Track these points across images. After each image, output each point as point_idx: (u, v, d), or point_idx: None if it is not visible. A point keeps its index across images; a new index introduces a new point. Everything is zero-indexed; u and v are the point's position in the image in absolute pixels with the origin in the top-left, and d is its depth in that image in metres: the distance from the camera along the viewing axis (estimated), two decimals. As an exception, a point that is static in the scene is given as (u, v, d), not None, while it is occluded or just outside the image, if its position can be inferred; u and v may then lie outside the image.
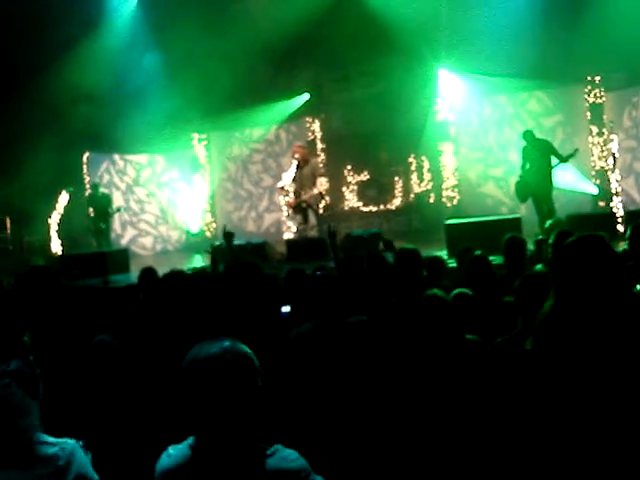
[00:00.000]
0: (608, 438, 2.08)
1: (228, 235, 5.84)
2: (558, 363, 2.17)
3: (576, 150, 10.55)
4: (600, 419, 2.09)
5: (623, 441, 2.07)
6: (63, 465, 2.32)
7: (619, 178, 12.34)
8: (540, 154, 10.52)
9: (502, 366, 2.65)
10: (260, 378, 2.04)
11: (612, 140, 12.45)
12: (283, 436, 2.24)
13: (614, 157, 12.30)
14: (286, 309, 4.38)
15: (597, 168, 12.58)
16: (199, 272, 5.78)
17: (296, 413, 3.37)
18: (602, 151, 12.55)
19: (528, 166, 10.69)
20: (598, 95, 12.67)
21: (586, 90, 12.74)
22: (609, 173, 12.39)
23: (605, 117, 12.68)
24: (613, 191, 12.31)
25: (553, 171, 10.53)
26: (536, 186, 10.50)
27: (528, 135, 10.83)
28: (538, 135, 10.91)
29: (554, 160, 10.42)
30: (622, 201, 12.18)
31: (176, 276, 4.83)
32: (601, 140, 12.56)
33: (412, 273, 4.49)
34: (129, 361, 3.69)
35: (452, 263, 8.23)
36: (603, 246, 2.25)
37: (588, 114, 12.74)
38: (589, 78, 12.67)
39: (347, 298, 3.85)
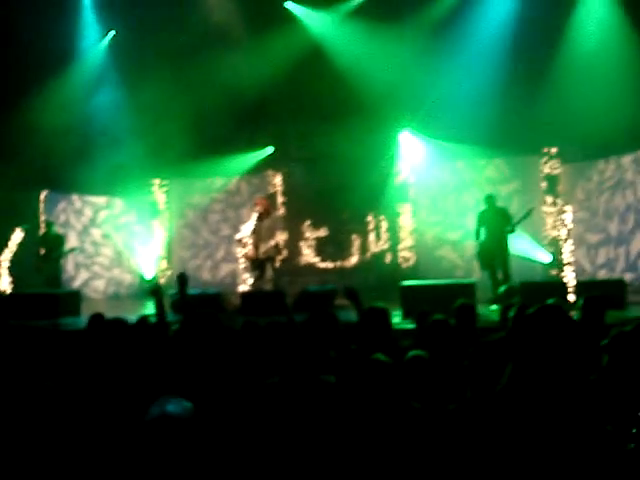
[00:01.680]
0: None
1: (182, 277, 5.50)
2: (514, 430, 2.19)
3: (531, 209, 10.82)
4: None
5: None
6: None
7: (572, 248, 12.62)
8: (499, 220, 10.74)
9: (453, 432, 2.64)
10: (198, 438, 2.00)
11: (566, 211, 12.77)
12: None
13: (567, 227, 12.59)
14: None
15: (550, 237, 12.87)
16: (140, 321, 5.62)
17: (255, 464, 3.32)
18: (555, 221, 12.86)
19: (483, 232, 10.89)
20: (554, 166, 13.04)
21: (543, 161, 13.11)
22: (562, 243, 12.67)
23: (560, 188, 13.03)
24: (565, 261, 12.57)
25: (509, 238, 10.76)
26: (495, 253, 10.70)
27: (490, 200, 11.05)
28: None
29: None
30: (573, 270, 12.43)
31: (121, 325, 4.76)
32: (555, 210, 12.87)
33: (380, 333, 4.48)
34: (73, 408, 3.60)
35: (406, 324, 8.32)
36: (563, 316, 2.31)
37: (544, 184, 13.08)
38: (546, 149, 13.05)
39: (310, 353, 3.82)
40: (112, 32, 14.78)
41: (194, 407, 2.03)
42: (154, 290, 5.59)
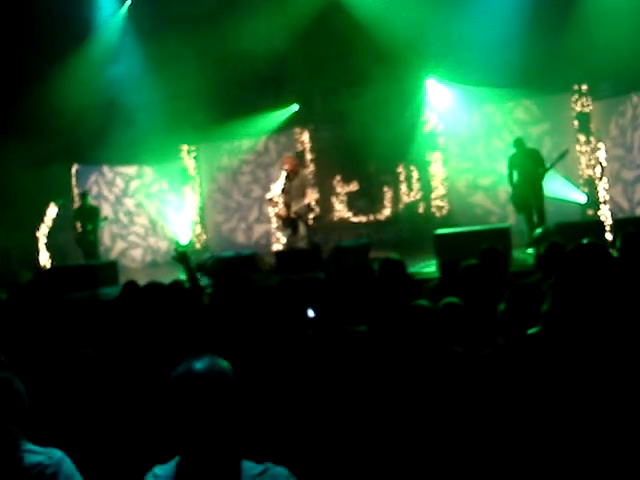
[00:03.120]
0: (606, 445, 2.07)
1: (182, 257, 5.55)
2: (562, 364, 2.16)
3: (565, 151, 10.65)
4: (598, 423, 2.09)
5: (619, 448, 2.06)
6: (50, 473, 2.31)
7: (607, 186, 12.40)
8: (531, 163, 10.61)
9: (488, 378, 2.63)
10: (241, 394, 2.01)
11: (599, 149, 12.51)
12: (276, 450, 2.21)
13: (602, 165, 12.36)
14: (311, 314, 4.30)
15: (585, 177, 12.63)
16: (174, 284, 5.67)
17: (291, 424, 3.35)
18: (590, 160, 12.60)
19: (516, 176, 10.76)
20: (585, 104, 12.73)
21: (573, 99, 12.80)
22: (597, 181, 12.44)
23: (592, 126, 12.73)
24: (601, 199, 12.36)
25: (542, 180, 10.63)
26: (529, 196, 10.59)
27: (519, 143, 10.92)
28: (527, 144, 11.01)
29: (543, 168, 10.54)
30: (610, 209, 12.23)
31: (155, 289, 4.80)
32: (589, 149, 12.61)
33: (396, 284, 4.46)
34: (113, 375, 3.66)
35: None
36: (601, 253, 2.26)
37: (575, 123, 12.79)
38: (576, 87, 12.72)
39: (345, 307, 3.83)
40: (129, 1, 14.70)
41: (229, 365, 2.03)
42: (180, 256, 5.63)
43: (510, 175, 10.85)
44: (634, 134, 12.46)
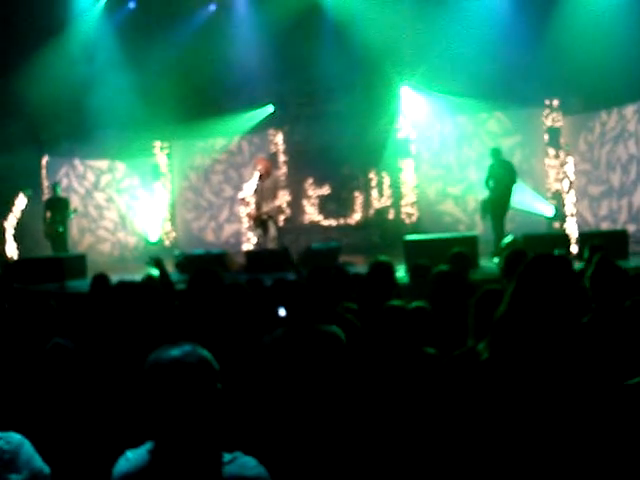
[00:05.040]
0: (559, 444, 2.15)
1: (157, 262, 5.61)
2: (512, 371, 2.24)
3: None
4: (552, 426, 2.16)
5: (574, 448, 2.14)
6: (8, 458, 2.27)
7: (574, 200, 12.63)
8: (504, 173, 10.81)
9: (458, 378, 2.70)
10: (221, 383, 2.04)
11: (568, 163, 12.75)
12: (247, 442, 2.25)
13: (570, 180, 12.59)
14: (282, 313, 4.34)
15: (553, 190, 12.86)
16: (146, 281, 5.68)
17: (261, 419, 3.39)
18: (558, 173, 12.84)
19: (491, 184, 10.94)
20: (556, 119, 12.96)
21: (544, 113, 13.02)
22: (564, 195, 12.67)
23: (562, 140, 12.97)
24: (568, 213, 12.59)
25: (512, 192, 10.84)
26: (498, 205, 10.78)
27: (496, 153, 11.11)
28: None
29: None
30: (576, 222, 12.46)
31: (126, 286, 4.81)
32: (557, 163, 12.84)
33: (384, 285, 4.54)
34: (85, 363, 3.68)
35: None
36: (567, 267, 2.34)
37: (546, 136, 13.02)
38: (547, 102, 12.96)
39: (315, 306, 3.89)
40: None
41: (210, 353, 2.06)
42: (155, 262, 5.65)
43: (487, 183, 11.02)
44: (601, 150, 12.73)
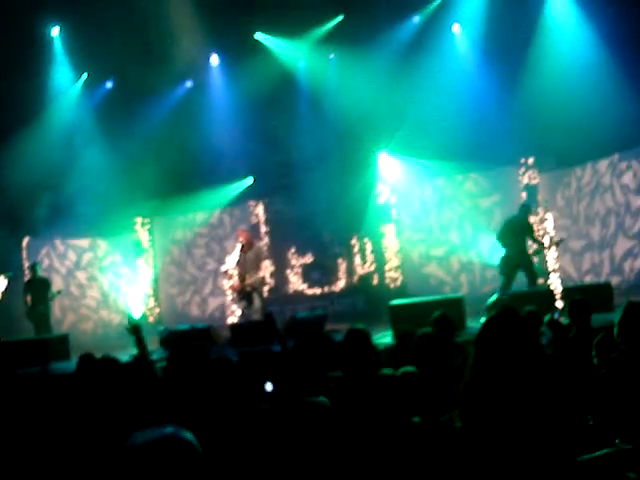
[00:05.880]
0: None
1: (134, 329, 5.49)
2: (482, 438, 2.20)
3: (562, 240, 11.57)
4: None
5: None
6: None
7: (555, 255, 12.69)
8: (524, 230, 10.94)
9: (440, 447, 2.65)
10: (204, 465, 1.96)
11: (547, 219, 12.85)
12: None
13: (550, 235, 12.68)
14: (269, 387, 4.26)
15: (534, 247, 12.90)
16: (136, 359, 5.59)
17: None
18: (538, 230, 12.92)
19: (506, 241, 10.96)
20: (532, 176, 13.14)
21: (520, 171, 13.20)
22: (545, 251, 12.73)
23: (540, 197, 13.11)
24: (550, 268, 12.63)
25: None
26: (520, 260, 10.79)
27: (526, 210, 11.34)
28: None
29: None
30: (560, 277, 12.49)
31: (111, 362, 4.73)
32: (537, 219, 12.95)
33: (361, 352, 4.48)
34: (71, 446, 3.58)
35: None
36: (515, 320, 2.33)
37: (524, 194, 13.15)
38: (523, 160, 13.15)
39: (301, 378, 3.82)
40: (84, 75, 14.82)
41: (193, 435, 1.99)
42: (133, 328, 5.54)
43: (501, 236, 11.04)
44: (579, 205, 12.88)
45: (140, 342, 5.39)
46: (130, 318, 5.28)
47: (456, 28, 13.71)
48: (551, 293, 10.30)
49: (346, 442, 3.40)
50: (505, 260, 11.00)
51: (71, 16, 13.43)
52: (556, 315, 6.55)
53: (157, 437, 1.91)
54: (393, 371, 3.61)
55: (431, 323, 5.31)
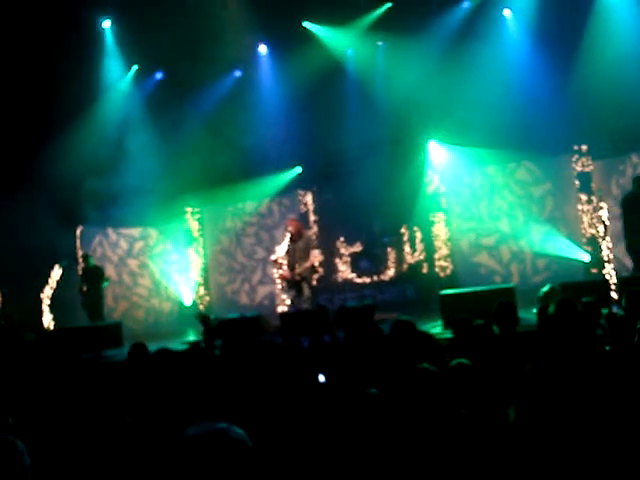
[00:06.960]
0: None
1: (203, 319, 5.58)
2: (538, 433, 2.16)
3: None
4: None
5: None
6: None
7: (610, 245, 12.42)
8: None
9: (486, 440, 2.61)
10: (255, 461, 1.97)
11: (602, 207, 12.56)
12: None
13: (605, 224, 12.40)
14: (322, 379, 4.26)
15: (587, 235, 12.67)
16: (192, 347, 5.67)
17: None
18: (592, 218, 12.66)
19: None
20: (585, 164, 12.85)
21: (573, 159, 12.92)
22: (600, 240, 12.47)
23: (593, 185, 12.83)
24: (605, 258, 12.37)
25: None
26: None
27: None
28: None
29: None
30: (614, 268, 12.22)
31: (166, 354, 4.77)
32: (590, 208, 12.68)
33: (406, 345, 4.44)
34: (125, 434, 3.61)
35: (447, 334, 8.22)
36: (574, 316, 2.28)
37: (577, 182, 12.89)
38: (576, 147, 12.86)
39: (356, 370, 3.81)
40: (135, 67, 14.98)
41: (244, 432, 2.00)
42: (202, 318, 5.64)
43: (627, 220, 10.44)
44: (635, 193, 12.53)
45: (208, 332, 5.47)
46: (184, 308, 5.37)
47: (507, 12, 13.44)
48: (606, 283, 10.07)
49: (395, 433, 3.37)
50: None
51: (121, 8, 13.57)
52: (614, 309, 6.40)
53: (210, 431, 1.93)
54: (432, 365, 3.54)
55: (493, 311, 5.20)
